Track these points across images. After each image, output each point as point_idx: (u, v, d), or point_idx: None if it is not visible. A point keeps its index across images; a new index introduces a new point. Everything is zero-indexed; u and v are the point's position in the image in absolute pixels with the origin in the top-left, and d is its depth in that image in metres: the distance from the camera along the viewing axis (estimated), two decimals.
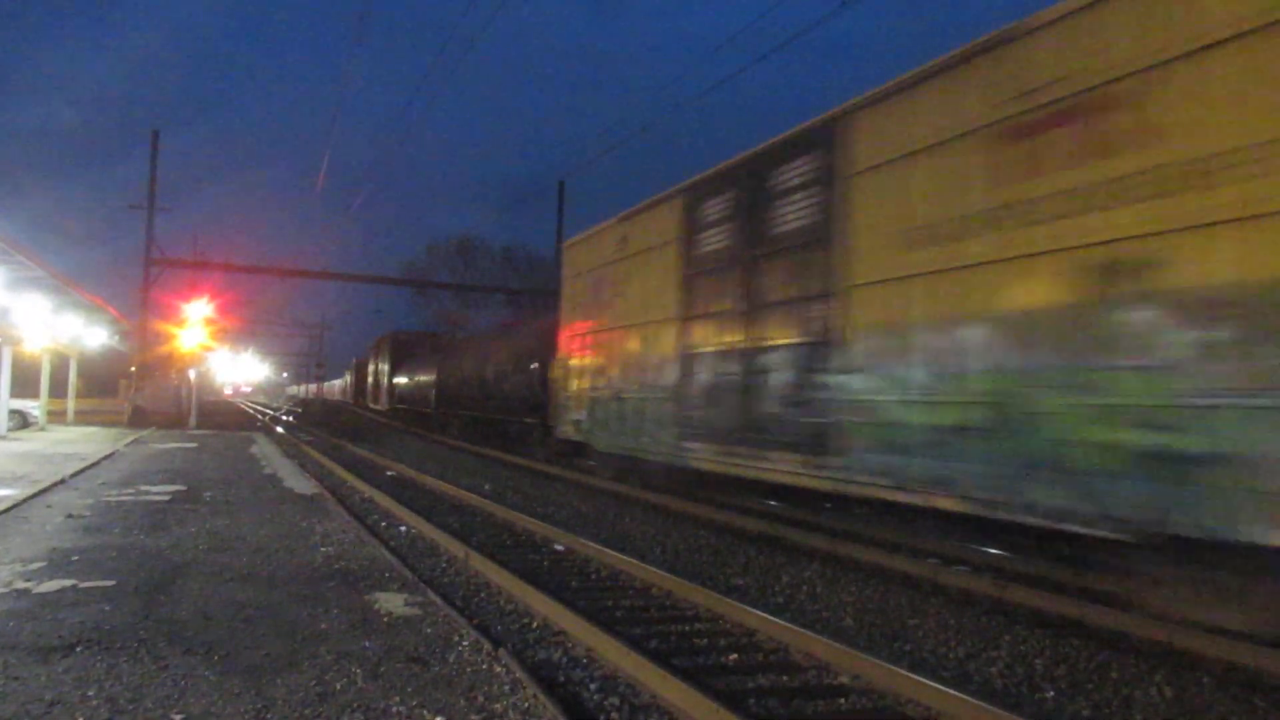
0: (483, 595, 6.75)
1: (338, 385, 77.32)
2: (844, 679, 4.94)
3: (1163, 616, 5.69)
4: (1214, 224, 5.01)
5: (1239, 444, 4.81)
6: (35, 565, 6.90)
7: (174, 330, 32.07)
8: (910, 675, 4.65)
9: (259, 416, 46.90)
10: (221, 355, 75.86)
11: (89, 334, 28.20)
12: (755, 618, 5.87)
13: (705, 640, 5.70)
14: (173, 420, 31.03)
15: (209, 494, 11.66)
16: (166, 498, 11.17)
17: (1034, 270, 6.03)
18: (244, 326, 66.03)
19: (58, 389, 28.06)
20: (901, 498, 7.06)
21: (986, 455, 6.28)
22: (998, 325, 6.30)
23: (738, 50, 14.67)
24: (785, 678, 5.03)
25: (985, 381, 6.37)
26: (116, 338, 33.38)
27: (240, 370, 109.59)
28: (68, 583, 6.35)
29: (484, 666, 4.73)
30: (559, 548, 8.83)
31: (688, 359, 10.58)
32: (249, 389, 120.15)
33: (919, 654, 5.56)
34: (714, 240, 10.24)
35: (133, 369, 32.41)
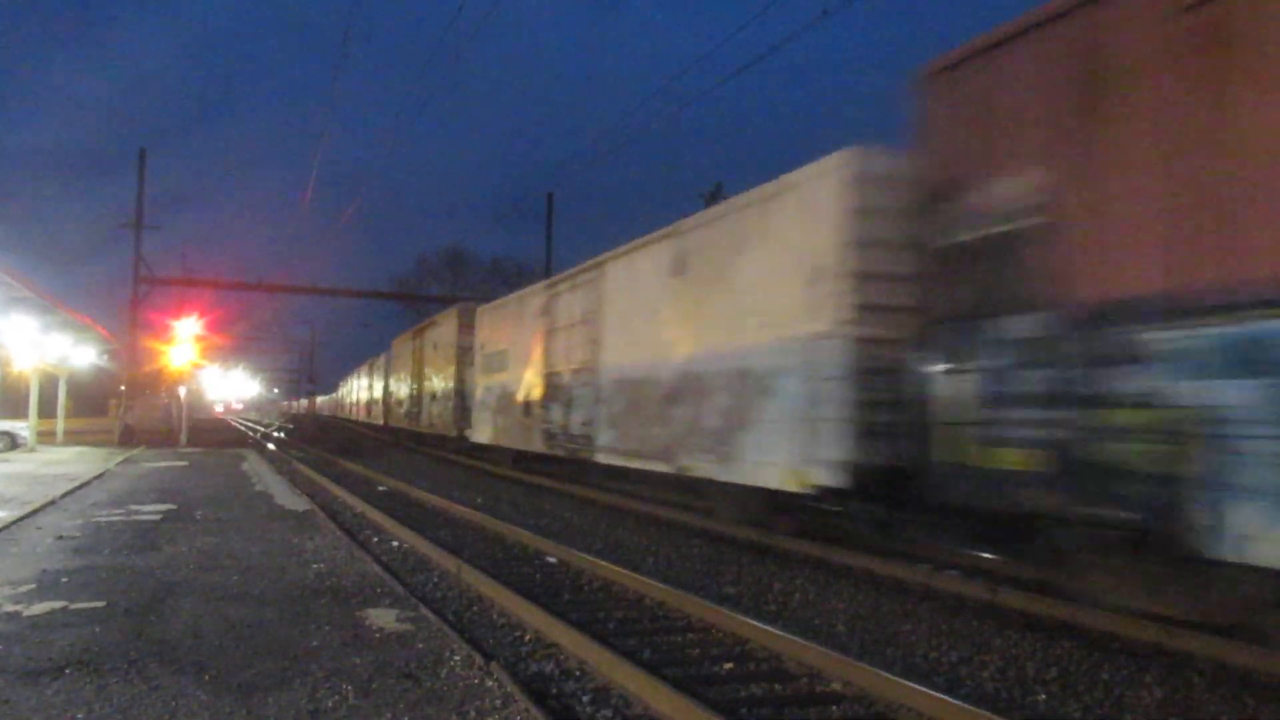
0: (475, 609, 6.74)
1: (326, 401, 76.76)
2: (836, 686, 4.95)
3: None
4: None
5: None
6: (25, 587, 6.87)
7: (163, 348, 31.98)
8: (902, 681, 4.67)
9: (250, 434, 46.75)
10: (212, 372, 75.63)
11: (78, 353, 28.09)
12: (747, 626, 5.87)
13: (698, 650, 5.71)
14: (163, 439, 30.90)
15: (200, 512, 11.62)
16: (157, 517, 11.13)
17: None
18: (234, 343, 65.78)
19: (47, 409, 27.91)
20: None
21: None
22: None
23: (724, 61, 14.75)
24: (778, 686, 5.03)
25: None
26: (105, 357, 33.24)
27: (231, 387, 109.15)
28: (58, 604, 6.32)
29: (476, 681, 4.72)
30: (551, 560, 8.82)
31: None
32: (240, 406, 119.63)
33: (911, 660, 5.58)
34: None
35: (122, 388, 32.26)
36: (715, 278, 9.86)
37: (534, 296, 16.41)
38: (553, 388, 14.93)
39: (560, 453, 14.73)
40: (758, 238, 9.11)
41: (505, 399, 17.70)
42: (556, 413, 14.70)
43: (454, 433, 23.15)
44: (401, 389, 32.52)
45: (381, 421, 38.62)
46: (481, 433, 19.82)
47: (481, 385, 19.82)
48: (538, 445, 15.67)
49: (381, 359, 39.63)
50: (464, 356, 22.64)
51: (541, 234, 36.07)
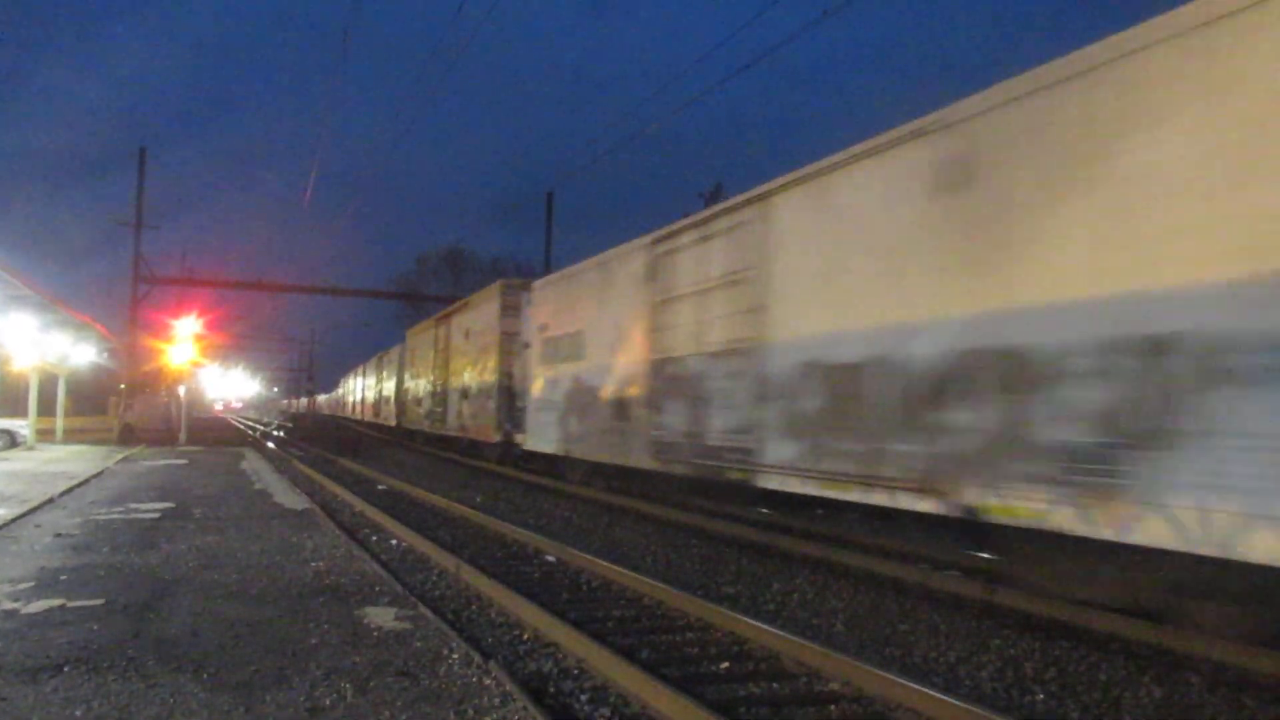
0: (474, 608, 6.74)
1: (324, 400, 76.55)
2: (835, 685, 4.95)
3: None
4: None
5: None
6: (24, 585, 6.87)
7: (163, 347, 31.97)
8: (901, 680, 4.66)
9: (250, 432, 46.74)
10: (211, 371, 75.67)
11: (77, 352, 28.08)
12: (746, 626, 5.87)
13: (696, 649, 5.71)
14: (163, 437, 30.90)
15: (199, 511, 11.62)
16: (156, 515, 11.12)
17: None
18: (234, 342, 65.82)
19: (46, 407, 27.91)
20: None
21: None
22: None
23: (724, 61, 14.76)
24: (776, 685, 5.03)
25: None
26: (105, 355, 33.25)
27: (231, 386, 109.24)
28: (56, 602, 6.32)
29: (474, 679, 4.72)
30: (550, 559, 8.82)
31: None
32: (240, 405, 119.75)
33: (910, 659, 5.58)
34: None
35: (122, 386, 32.26)
36: (1057, 184, 5.92)
37: (627, 259, 12.19)
38: (667, 379, 10.82)
39: (683, 470, 10.43)
40: (1200, 90, 5.09)
41: (581, 396, 13.44)
42: (676, 414, 10.56)
43: (497, 438, 18.83)
44: (420, 385, 27.88)
45: (394, 423, 34.04)
46: (541, 439, 15.43)
47: (541, 379, 15.35)
48: (639, 458, 11.44)
49: (394, 352, 35.25)
50: (509, 344, 18.60)
51: (541, 234, 36.06)
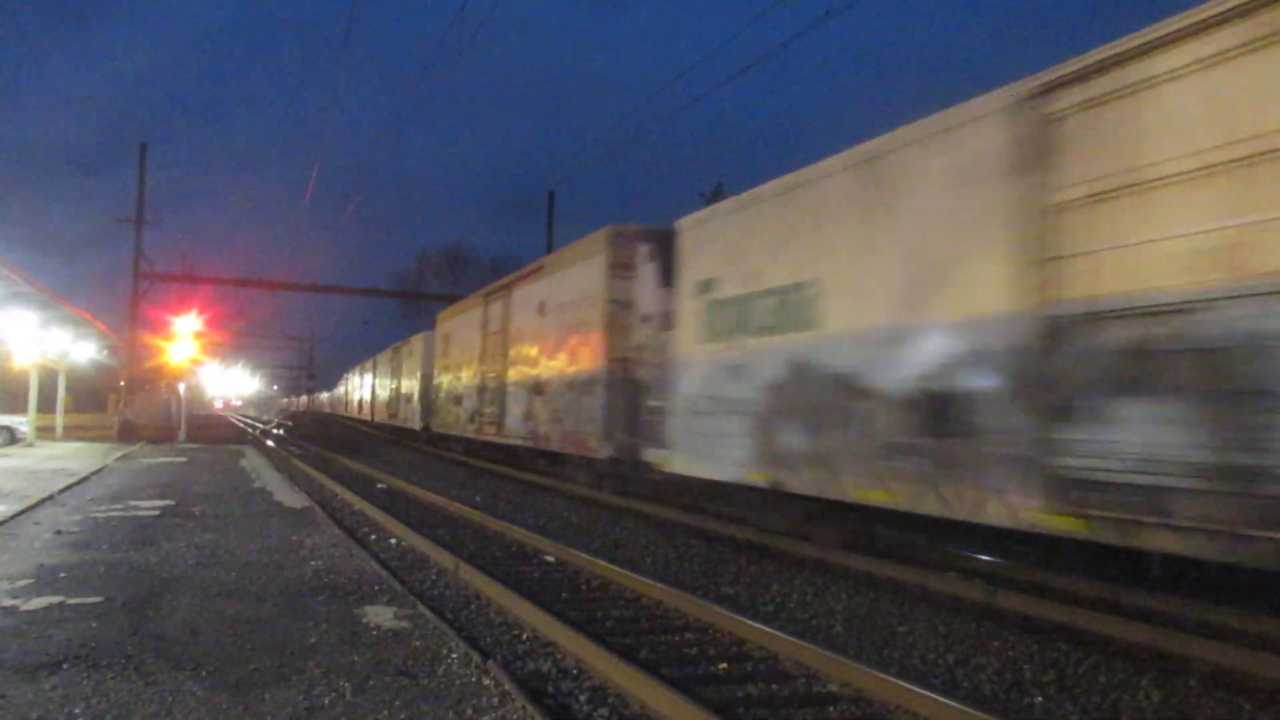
0: (472, 607, 6.74)
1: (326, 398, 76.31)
2: (833, 687, 4.95)
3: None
4: None
5: None
6: (22, 582, 6.86)
7: (163, 344, 31.98)
8: (899, 682, 4.67)
9: (249, 431, 46.71)
10: (211, 369, 75.65)
11: (77, 348, 28.08)
12: (745, 626, 5.87)
13: (695, 649, 5.71)
14: (162, 435, 30.89)
15: (198, 509, 11.62)
16: (155, 513, 11.12)
17: None
18: (234, 340, 65.77)
19: (46, 404, 27.90)
20: None
21: None
22: None
23: (725, 62, 14.76)
24: (775, 686, 5.03)
25: None
26: (105, 352, 33.27)
27: (230, 384, 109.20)
28: (55, 600, 6.32)
29: (473, 679, 4.72)
30: (549, 559, 8.82)
31: None
32: (239, 403, 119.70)
33: (908, 661, 5.57)
34: None
35: (122, 383, 32.27)
36: None
37: (947, 140, 6.94)
38: (1101, 354, 5.57)
39: (1201, 548, 4.92)
40: None
41: (811, 390, 8.23)
42: (1143, 424, 5.24)
43: (604, 452, 13.25)
44: (460, 379, 22.13)
45: (418, 425, 27.80)
46: (706, 458, 9.97)
47: (706, 364, 10.02)
48: (999, 504, 6.16)
49: (417, 341, 29.34)
50: (622, 316, 13.09)
51: (541, 233, 36.01)
